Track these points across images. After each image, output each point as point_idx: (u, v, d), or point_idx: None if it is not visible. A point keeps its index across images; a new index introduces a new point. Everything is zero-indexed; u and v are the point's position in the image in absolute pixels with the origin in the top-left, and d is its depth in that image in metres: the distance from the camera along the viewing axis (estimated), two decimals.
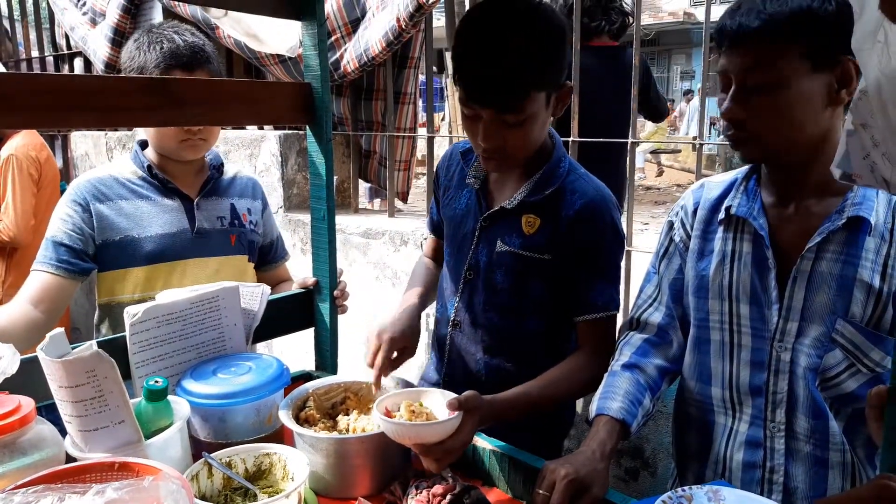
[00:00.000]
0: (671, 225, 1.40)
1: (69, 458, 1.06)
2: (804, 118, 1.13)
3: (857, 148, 0.72)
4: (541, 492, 1.07)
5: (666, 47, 20.97)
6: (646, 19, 18.35)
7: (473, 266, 1.49)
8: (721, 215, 1.29)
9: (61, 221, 1.67)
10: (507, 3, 1.29)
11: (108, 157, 4.29)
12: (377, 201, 6.11)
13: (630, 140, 2.30)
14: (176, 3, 3.43)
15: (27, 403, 1.04)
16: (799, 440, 1.20)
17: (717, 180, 1.36)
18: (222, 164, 1.88)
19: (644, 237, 3.67)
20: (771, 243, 1.21)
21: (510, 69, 1.24)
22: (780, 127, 1.14)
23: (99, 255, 1.68)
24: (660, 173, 11.48)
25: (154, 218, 1.71)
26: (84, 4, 4.10)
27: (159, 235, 1.71)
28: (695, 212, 1.35)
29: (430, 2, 2.51)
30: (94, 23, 4.04)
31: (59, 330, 1.09)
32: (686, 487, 1.01)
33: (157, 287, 1.67)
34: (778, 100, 1.11)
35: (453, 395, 1.17)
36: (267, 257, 1.98)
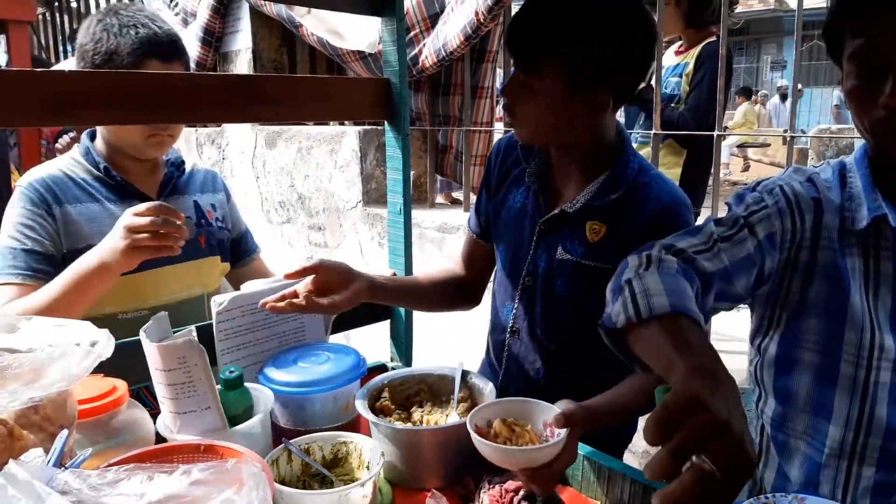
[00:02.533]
0: (760, 203, 1.10)
1: (159, 440, 1.12)
2: None
3: None
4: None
5: (756, 36, 20.12)
6: (736, 7, 17.68)
7: (532, 272, 1.39)
8: (863, 223, 1.05)
9: (22, 226, 1.46)
10: None
11: (198, 152, 4.47)
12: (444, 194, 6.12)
13: (716, 133, 2.22)
14: (263, 2, 3.54)
15: (121, 386, 1.11)
16: None
17: (824, 173, 1.14)
18: (182, 162, 1.72)
19: None
20: None
21: (535, 26, 1.20)
22: None
23: (64, 265, 1.41)
24: (746, 168, 11.06)
25: (112, 224, 1.40)
26: (176, 5, 4.29)
27: None
28: (813, 210, 1.10)
29: None
30: (185, 23, 4.22)
31: (163, 313, 1.15)
32: (769, 494, 0.96)
33: (128, 300, 1.55)
34: None
35: (549, 407, 1.11)
36: (238, 252, 1.81)
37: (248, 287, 1.47)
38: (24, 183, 1.52)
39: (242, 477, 0.72)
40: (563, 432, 1.05)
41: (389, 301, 1.58)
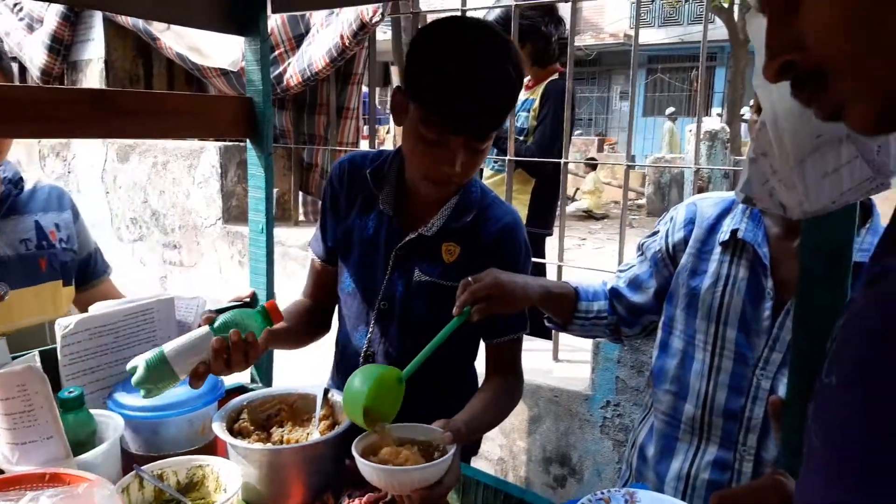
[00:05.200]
0: (656, 232, 1.46)
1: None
2: None
3: (757, 175, 0.79)
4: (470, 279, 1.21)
5: (607, 67, 21.50)
6: (587, 39, 18.78)
7: (388, 296, 1.41)
8: (724, 237, 1.32)
9: None
10: (474, 25, 1.25)
11: (40, 165, 4.17)
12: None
13: (563, 161, 2.39)
14: (119, 15, 3.39)
15: None
16: (766, 465, 1.25)
17: (710, 200, 1.41)
18: (21, 179, 1.60)
19: (579, 252, 3.78)
20: (770, 273, 1.25)
21: (499, 98, 1.21)
22: None
23: None
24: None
25: None
26: (21, 10, 4.01)
27: None
28: (685, 227, 1.39)
29: (373, 21, 2.55)
30: (30, 29, 3.95)
31: (1, 341, 1.09)
32: (605, 490, 1.06)
33: None
34: None
35: (428, 428, 1.15)
36: (86, 274, 1.72)
37: (97, 309, 1.41)
38: None
39: (95, 501, 0.71)
40: (450, 449, 1.09)
41: (277, 345, 1.52)
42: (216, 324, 1.18)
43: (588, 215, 11.21)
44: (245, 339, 1.18)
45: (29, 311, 1.54)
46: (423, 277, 1.38)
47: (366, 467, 1.06)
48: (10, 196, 1.55)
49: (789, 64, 0.53)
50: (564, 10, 2.81)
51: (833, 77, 0.50)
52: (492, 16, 2.75)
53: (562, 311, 1.45)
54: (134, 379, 1.13)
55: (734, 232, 1.30)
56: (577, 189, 11.51)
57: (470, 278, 1.21)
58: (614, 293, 1.47)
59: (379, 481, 1.06)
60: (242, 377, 1.77)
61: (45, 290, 1.58)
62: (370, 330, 1.45)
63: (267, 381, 1.74)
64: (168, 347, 1.16)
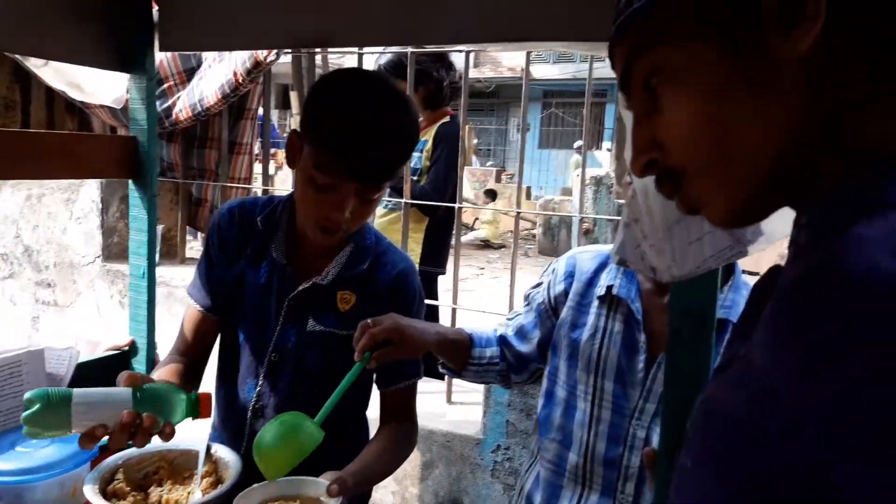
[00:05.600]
0: (540, 283, 1.50)
1: None
2: None
3: (630, 239, 0.84)
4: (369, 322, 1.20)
5: (505, 100, 22.14)
6: (486, 72, 19.29)
7: (279, 347, 1.37)
8: (601, 291, 1.38)
9: None
10: (371, 77, 1.28)
11: None
12: None
13: (457, 205, 2.44)
14: None
15: None
16: None
17: (589, 253, 1.46)
18: None
19: (479, 282, 3.84)
20: (643, 327, 1.31)
21: (393, 148, 1.22)
22: None
23: None
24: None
25: None
26: None
27: None
28: (565, 280, 1.44)
29: (268, 59, 2.53)
30: None
31: None
32: None
33: None
34: None
35: (315, 481, 1.13)
36: None
37: None
38: None
39: None
40: (335, 502, 1.09)
41: None
42: (140, 395, 1.08)
43: (486, 244, 11.43)
44: (162, 429, 1.10)
45: None
46: (318, 327, 1.36)
47: None
48: None
49: (652, 161, 0.57)
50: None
51: (690, 177, 0.55)
52: (384, 59, 2.80)
53: (457, 357, 1.46)
54: (26, 413, 1.01)
55: (609, 288, 1.37)
56: (476, 219, 11.74)
57: (369, 321, 1.21)
58: (503, 341, 1.50)
59: None
60: None
61: None
62: (259, 383, 1.40)
63: None
64: (78, 393, 1.05)
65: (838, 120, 0.49)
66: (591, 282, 1.42)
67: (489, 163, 18.00)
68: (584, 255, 1.47)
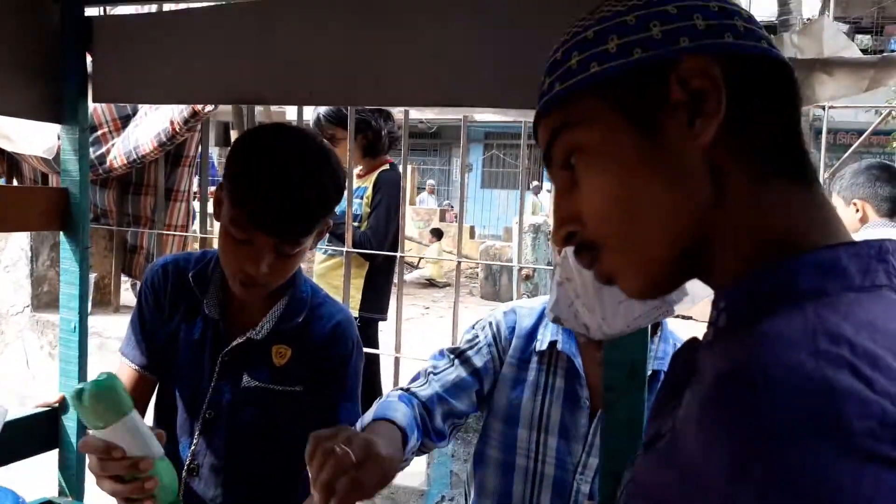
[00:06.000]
0: (475, 339, 1.43)
1: None
2: None
3: (564, 297, 0.87)
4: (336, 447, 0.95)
5: (447, 141, 22.43)
6: (429, 113, 19.58)
7: (214, 404, 1.34)
8: (541, 346, 1.36)
9: None
10: (306, 136, 1.29)
11: None
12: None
13: (399, 254, 2.46)
14: None
15: None
16: None
17: (527, 307, 1.45)
18: None
19: (424, 321, 3.84)
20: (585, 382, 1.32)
21: (315, 205, 1.22)
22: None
23: None
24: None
25: None
26: None
27: None
28: (508, 337, 1.41)
29: (205, 109, 2.53)
30: None
31: None
32: None
33: None
34: None
35: None
36: None
37: None
38: None
39: None
40: None
41: None
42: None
43: (431, 283, 11.46)
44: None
45: None
46: (252, 383, 1.33)
47: None
48: None
49: (572, 234, 0.61)
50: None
51: (604, 251, 0.58)
52: (322, 109, 2.83)
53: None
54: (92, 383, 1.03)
55: (553, 343, 1.35)
56: (421, 258, 11.77)
57: (323, 432, 1.00)
58: (437, 399, 1.38)
59: None
60: (49, 489, 1.61)
61: None
62: (194, 441, 1.36)
63: (78, 493, 1.59)
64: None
65: (742, 208, 0.53)
66: (530, 337, 1.41)
67: (445, 202, 18.09)
68: (523, 311, 1.46)
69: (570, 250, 0.80)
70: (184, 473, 1.37)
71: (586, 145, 0.58)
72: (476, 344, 1.43)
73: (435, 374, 1.41)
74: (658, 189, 0.54)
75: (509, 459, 1.37)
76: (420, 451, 1.37)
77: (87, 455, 1.08)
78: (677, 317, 1.44)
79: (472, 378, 1.40)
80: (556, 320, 0.89)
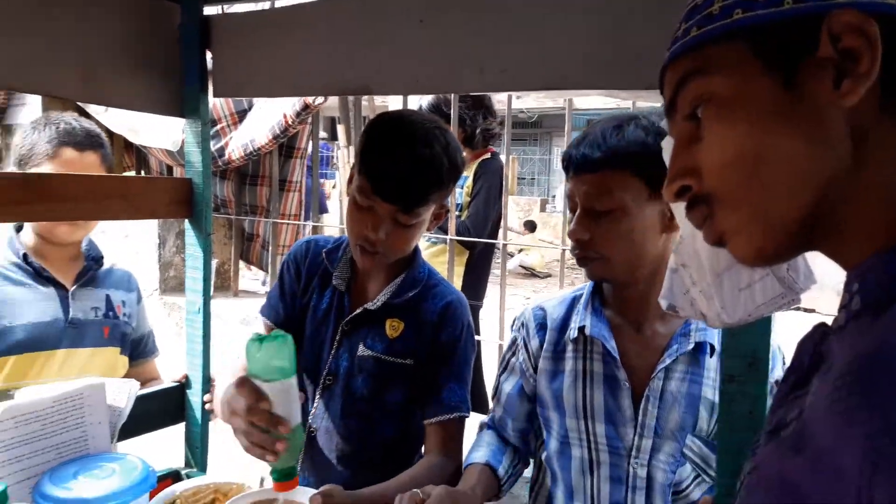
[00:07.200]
0: (514, 342, 1.47)
1: None
2: (643, 241, 1.24)
3: (679, 284, 0.84)
4: (418, 492, 1.11)
5: (547, 129, 22.17)
6: (530, 103, 19.39)
7: (333, 371, 1.46)
8: (573, 334, 1.34)
9: None
10: (426, 119, 1.39)
11: None
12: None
13: (501, 242, 2.45)
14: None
15: None
16: None
17: (554, 300, 1.44)
18: (101, 257, 1.86)
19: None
20: (621, 363, 1.28)
21: (429, 175, 1.30)
22: (622, 249, 1.24)
23: None
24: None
25: (26, 306, 1.67)
26: None
27: (32, 324, 1.67)
28: (538, 333, 1.41)
29: (316, 102, 2.61)
30: None
31: None
32: None
33: (28, 377, 1.62)
34: (619, 224, 1.22)
35: (312, 491, 1.16)
36: (136, 352, 1.93)
37: (24, 396, 1.36)
38: None
39: None
40: None
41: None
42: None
43: (531, 273, 11.37)
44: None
45: (88, 370, 1.70)
46: (367, 352, 1.42)
47: None
48: (89, 270, 1.81)
49: (686, 188, 0.58)
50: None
51: (721, 207, 0.55)
52: (425, 102, 2.86)
53: (492, 491, 1.41)
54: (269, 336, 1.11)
55: (581, 328, 1.33)
56: (521, 250, 11.71)
57: (418, 492, 1.14)
58: (504, 422, 1.47)
59: None
60: (176, 461, 1.72)
61: (103, 353, 1.79)
62: (315, 405, 1.47)
63: (202, 465, 1.69)
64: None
65: (885, 175, 0.49)
66: (563, 328, 1.38)
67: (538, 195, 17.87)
68: (550, 304, 1.44)
69: (689, 233, 0.77)
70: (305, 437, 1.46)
71: (718, 94, 0.55)
72: (514, 346, 1.47)
73: (497, 391, 1.50)
74: (791, 145, 0.51)
75: (566, 450, 1.36)
76: (517, 469, 1.45)
77: (230, 392, 1.14)
78: (797, 309, 1.36)
79: (519, 383, 1.45)
80: (669, 308, 0.86)
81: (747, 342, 0.87)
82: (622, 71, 1.07)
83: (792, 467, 0.45)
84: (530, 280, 11.04)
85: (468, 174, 2.95)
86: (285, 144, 3.15)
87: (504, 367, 1.49)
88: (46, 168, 1.68)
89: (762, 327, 0.86)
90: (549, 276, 11.34)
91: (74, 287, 1.76)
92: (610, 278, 1.32)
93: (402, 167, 1.30)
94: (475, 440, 1.46)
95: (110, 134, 3.75)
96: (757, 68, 0.53)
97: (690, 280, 0.81)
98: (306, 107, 2.66)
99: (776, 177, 0.52)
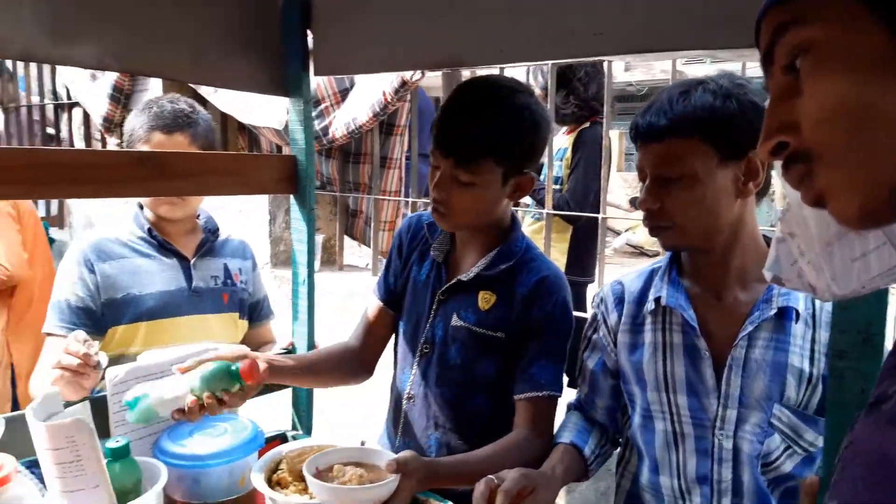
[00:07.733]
0: (595, 318, 1.45)
1: None
2: (717, 207, 1.19)
3: (786, 254, 0.79)
4: (493, 478, 1.10)
5: None
6: (639, 75, 18.69)
7: (429, 340, 1.48)
8: (651, 306, 1.31)
9: (69, 283, 1.72)
10: (500, 81, 1.40)
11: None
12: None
13: (601, 216, 2.40)
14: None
15: (7, 463, 1.09)
16: None
17: (632, 275, 1.42)
18: (217, 229, 1.97)
19: None
20: (701, 332, 1.24)
21: (474, 127, 1.31)
22: (695, 216, 1.20)
23: (104, 312, 1.73)
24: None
25: (154, 276, 1.79)
26: None
27: (159, 293, 1.79)
28: (616, 307, 1.39)
29: (413, 78, 2.63)
30: (93, 78, 4.17)
31: (55, 389, 1.14)
32: None
33: (159, 342, 1.73)
34: (691, 191, 1.18)
35: (391, 455, 1.18)
36: (255, 315, 2.03)
37: (145, 359, 1.47)
38: (76, 245, 1.78)
39: None
40: (392, 477, 1.14)
41: (287, 382, 1.59)
42: (195, 388, 1.28)
43: (640, 252, 11.03)
44: (219, 397, 1.29)
45: (210, 335, 1.80)
46: (460, 322, 1.44)
47: (309, 481, 1.16)
48: (207, 241, 1.91)
49: (783, 144, 0.54)
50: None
51: (822, 164, 0.52)
52: (540, 74, 2.77)
53: (580, 471, 1.39)
54: (130, 417, 1.26)
55: (657, 300, 1.30)
56: (628, 229, 11.38)
57: (493, 478, 1.12)
58: (591, 401, 1.45)
59: (318, 495, 1.16)
60: (283, 424, 1.81)
61: (225, 319, 1.90)
62: (412, 373, 1.51)
63: (307, 429, 1.77)
64: (153, 397, 1.26)
65: None
66: (641, 301, 1.35)
67: None
68: (628, 278, 1.41)
69: (797, 200, 0.72)
70: (404, 402, 1.52)
71: (819, 43, 0.51)
72: (595, 322, 1.45)
73: (582, 369, 1.48)
74: None
75: (648, 424, 1.33)
76: (605, 449, 1.44)
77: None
78: None
79: (603, 356, 1.43)
80: (775, 280, 0.81)
81: (860, 315, 0.81)
82: (721, 29, 1.02)
83: (889, 440, 0.42)
84: (639, 258, 10.71)
85: (567, 145, 2.88)
86: (385, 122, 3.21)
87: (587, 344, 1.48)
88: None
89: (877, 300, 0.80)
90: (658, 254, 10.97)
91: (195, 258, 1.86)
92: (684, 246, 1.28)
93: (461, 119, 1.33)
94: (562, 421, 1.45)
95: (224, 116, 3.95)
96: (863, 15, 0.49)
97: (798, 250, 0.76)
98: (404, 83, 2.69)
99: (880, 133, 0.48)
